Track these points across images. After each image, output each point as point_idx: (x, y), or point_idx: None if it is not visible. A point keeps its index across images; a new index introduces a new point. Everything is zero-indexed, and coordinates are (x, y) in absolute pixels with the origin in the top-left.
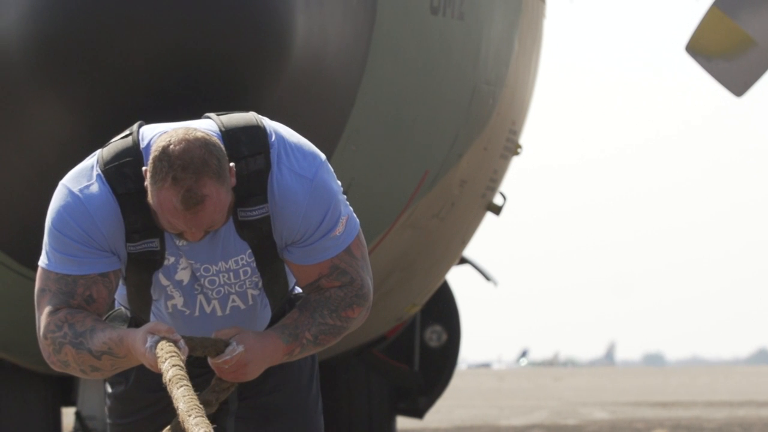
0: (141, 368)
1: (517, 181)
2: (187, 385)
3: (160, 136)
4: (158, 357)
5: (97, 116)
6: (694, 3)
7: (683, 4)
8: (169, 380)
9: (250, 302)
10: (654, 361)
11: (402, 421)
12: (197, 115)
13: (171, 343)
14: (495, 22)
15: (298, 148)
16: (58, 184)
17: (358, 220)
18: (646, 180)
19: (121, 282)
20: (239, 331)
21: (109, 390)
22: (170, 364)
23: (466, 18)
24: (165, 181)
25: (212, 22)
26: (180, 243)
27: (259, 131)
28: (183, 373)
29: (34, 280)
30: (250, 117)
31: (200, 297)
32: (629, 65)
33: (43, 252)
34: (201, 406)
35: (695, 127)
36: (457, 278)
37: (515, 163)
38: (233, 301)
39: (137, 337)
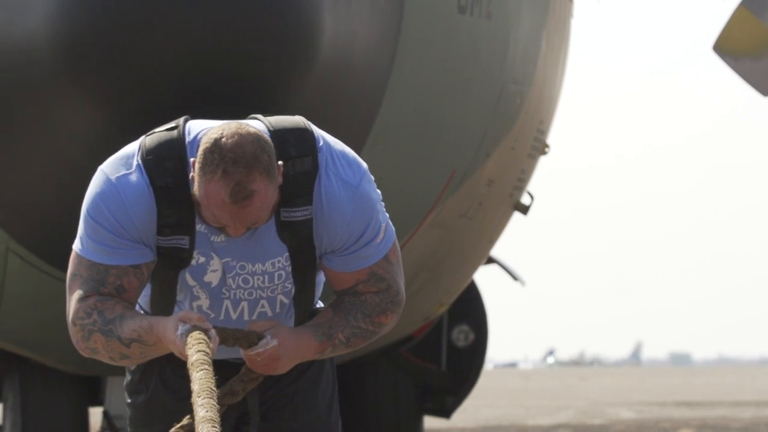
0: (161, 378)
1: (544, 181)
2: (207, 369)
3: (211, 129)
4: (186, 344)
5: (125, 116)
6: (722, 3)
7: (710, 3)
8: (192, 364)
9: (278, 310)
10: (680, 360)
11: (429, 421)
12: (224, 115)
13: (202, 332)
14: (522, 21)
15: (343, 156)
16: (98, 168)
17: (393, 226)
18: (672, 179)
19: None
20: (274, 325)
21: (129, 400)
22: (195, 350)
23: (494, 17)
24: (215, 174)
25: (239, 22)
26: (218, 239)
27: (307, 134)
28: (207, 359)
29: (62, 281)
30: (298, 120)
31: (227, 302)
32: (656, 65)
33: (78, 236)
34: (214, 389)
35: (724, 125)
36: (485, 278)
37: (542, 163)
38: (262, 306)
39: (168, 326)
